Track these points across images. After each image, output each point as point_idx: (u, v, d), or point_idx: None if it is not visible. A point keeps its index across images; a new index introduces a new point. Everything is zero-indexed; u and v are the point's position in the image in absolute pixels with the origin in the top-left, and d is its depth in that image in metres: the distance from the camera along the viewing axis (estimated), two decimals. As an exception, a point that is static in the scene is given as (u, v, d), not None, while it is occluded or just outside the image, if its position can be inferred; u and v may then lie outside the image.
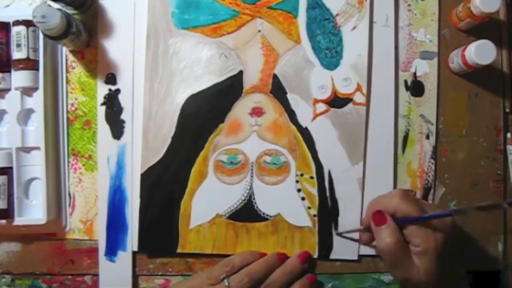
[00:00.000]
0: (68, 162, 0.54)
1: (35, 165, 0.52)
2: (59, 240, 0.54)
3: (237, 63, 0.53)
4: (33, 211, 0.52)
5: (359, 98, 0.53)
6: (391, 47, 0.54)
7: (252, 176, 0.53)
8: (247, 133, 0.53)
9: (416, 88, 0.55)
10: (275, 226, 0.53)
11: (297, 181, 0.53)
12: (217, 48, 0.53)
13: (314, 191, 0.53)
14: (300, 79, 0.53)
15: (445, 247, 0.43)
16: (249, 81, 0.53)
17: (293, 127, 0.53)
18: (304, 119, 0.53)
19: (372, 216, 0.46)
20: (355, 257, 0.54)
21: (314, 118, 0.53)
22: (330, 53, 0.53)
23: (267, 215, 0.53)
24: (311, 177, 0.53)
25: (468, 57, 0.50)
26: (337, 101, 0.53)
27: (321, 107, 0.53)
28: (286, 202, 0.53)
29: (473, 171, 0.55)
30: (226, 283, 0.49)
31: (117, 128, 0.54)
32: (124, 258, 0.53)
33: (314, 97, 0.53)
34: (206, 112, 0.53)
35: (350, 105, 0.53)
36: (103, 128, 0.54)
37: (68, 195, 0.54)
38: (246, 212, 0.53)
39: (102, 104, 0.54)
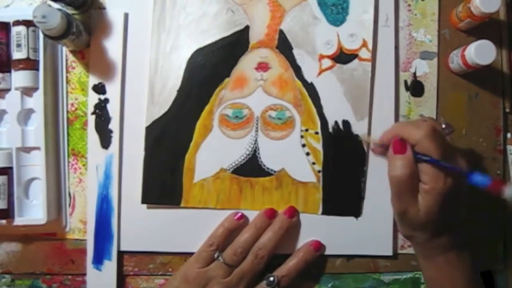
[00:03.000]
0: (68, 162, 0.54)
1: (35, 165, 0.52)
2: (59, 240, 0.54)
3: (243, 18, 0.54)
4: (33, 211, 0.52)
5: (364, 54, 0.54)
6: (391, 47, 0.54)
7: (257, 131, 0.53)
8: (252, 88, 0.54)
9: (416, 88, 0.55)
10: (279, 181, 0.53)
11: (302, 136, 0.53)
12: (224, 3, 0.54)
13: (318, 146, 0.53)
14: (306, 35, 0.54)
15: (452, 195, 0.43)
16: (255, 36, 0.54)
17: (299, 82, 0.54)
18: (309, 75, 0.54)
19: (393, 142, 0.44)
20: (390, 253, 0.54)
21: (319, 73, 0.54)
22: (336, 9, 0.54)
23: (272, 170, 0.53)
24: (316, 133, 0.53)
25: (468, 57, 0.50)
26: (342, 57, 0.54)
27: (327, 62, 0.54)
28: (291, 157, 0.53)
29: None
30: (221, 260, 0.49)
31: (105, 137, 0.54)
32: (109, 267, 0.53)
33: (320, 52, 0.54)
34: (212, 66, 0.53)
35: (355, 61, 0.54)
36: (92, 136, 0.54)
37: (68, 195, 0.54)
38: (251, 167, 0.53)
39: (92, 113, 0.54)
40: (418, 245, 0.47)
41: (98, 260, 0.53)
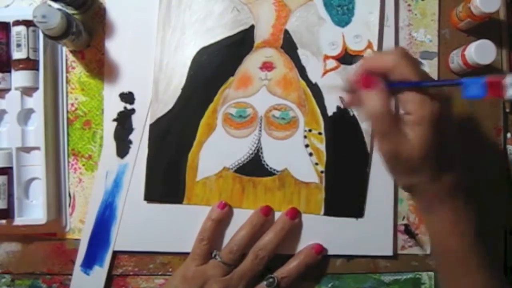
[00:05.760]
0: (68, 162, 0.54)
1: (35, 165, 0.52)
2: (59, 240, 0.54)
3: (249, 18, 0.54)
4: (33, 211, 0.52)
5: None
6: (391, 47, 0.54)
7: (260, 130, 0.53)
8: (257, 87, 0.54)
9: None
10: (282, 181, 0.53)
11: (305, 137, 0.53)
12: (229, 2, 0.54)
13: (322, 147, 0.53)
14: (311, 35, 0.54)
15: (443, 122, 0.37)
16: (260, 35, 0.54)
17: (303, 83, 0.54)
18: (314, 75, 0.54)
19: (361, 78, 0.39)
20: (390, 253, 0.54)
21: (324, 74, 0.54)
22: (341, 10, 0.54)
23: (274, 169, 0.53)
24: (319, 133, 0.53)
25: (468, 57, 0.50)
26: (347, 58, 0.54)
27: (331, 63, 0.54)
28: (294, 157, 0.53)
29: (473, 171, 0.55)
30: (219, 258, 0.50)
31: (123, 146, 0.54)
32: (99, 273, 0.53)
33: (325, 53, 0.54)
34: (216, 65, 0.54)
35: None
36: (109, 143, 0.54)
37: (68, 195, 0.54)
38: (253, 166, 0.53)
39: (114, 120, 0.54)
40: (420, 196, 0.42)
41: (88, 265, 0.53)
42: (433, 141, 0.37)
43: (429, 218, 0.43)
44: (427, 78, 0.39)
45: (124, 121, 0.54)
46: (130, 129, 0.54)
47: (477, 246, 0.41)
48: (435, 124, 0.37)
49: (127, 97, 0.54)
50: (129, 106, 0.54)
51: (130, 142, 0.54)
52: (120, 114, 0.54)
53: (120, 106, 0.54)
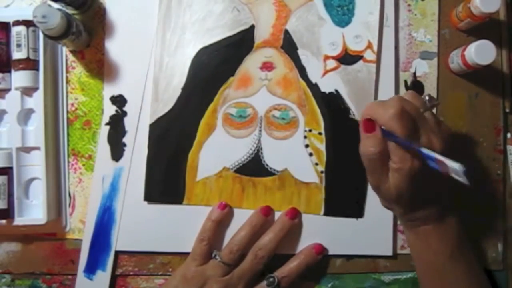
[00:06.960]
0: (68, 162, 0.54)
1: (35, 165, 0.52)
2: (59, 240, 0.54)
3: (249, 18, 0.54)
4: (33, 211, 0.52)
5: (369, 55, 0.54)
6: (391, 47, 0.54)
7: (260, 130, 0.53)
8: (257, 87, 0.54)
9: (416, 88, 0.55)
10: (282, 181, 0.53)
11: (305, 137, 0.54)
12: (229, 2, 0.54)
13: (322, 147, 0.53)
14: (312, 35, 0.54)
15: (421, 174, 0.43)
16: (260, 35, 0.54)
17: (303, 83, 0.54)
18: (314, 75, 0.54)
19: (362, 122, 0.45)
20: (390, 253, 0.54)
21: (324, 74, 0.54)
22: (342, 10, 0.54)
23: (274, 170, 0.53)
24: (320, 133, 0.53)
25: (468, 57, 0.50)
26: (347, 58, 0.54)
27: (332, 63, 0.54)
28: (294, 157, 0.53)
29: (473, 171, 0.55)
30: (219, 258, 0.50)
31: (117, 150, 0.54)
32: (102, 277, 0.53)
33: (325, 53, 0.54)
34: (216, 65, 0.54)
35: (360, 62, 0.54)
36: (103, 147, 0.54)
37: (68, 195, 0.54)
38: (253, 166, 0.53)
39: (107, 124, 0.54)
40: (398, 216, 0.49)
41: (91, 270, 0.53)
42: (407, 188, 0.43)
43: (406, 232, 0.49)
44: (415, 137, 0.43)
45: (116, 124, 0.54)
46: (123, 132, 0.54)
47: (452, 263, 0.46)
48: (411, 176, 0.43)
49: (118, 100, 0.54)
50: (120, 109, 0.54)
51: (124, 145, 0.54)
52: (112, 117, 0.54)
53: (112, 109, 0.54)
